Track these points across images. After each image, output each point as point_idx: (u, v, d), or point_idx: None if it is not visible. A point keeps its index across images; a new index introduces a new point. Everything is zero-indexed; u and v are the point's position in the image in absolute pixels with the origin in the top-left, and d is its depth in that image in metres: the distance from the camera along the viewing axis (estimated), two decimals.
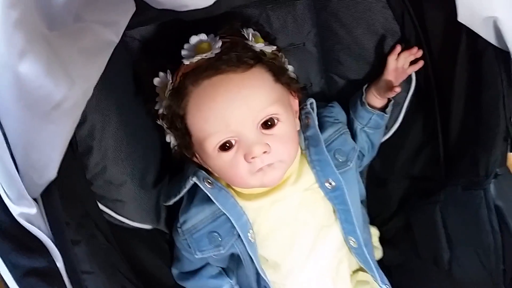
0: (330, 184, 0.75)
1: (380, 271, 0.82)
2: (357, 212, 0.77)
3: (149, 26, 0.78)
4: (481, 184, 0.74)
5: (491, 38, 0.62)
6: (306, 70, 0.90)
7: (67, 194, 0.55)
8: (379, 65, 0.83)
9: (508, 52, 0.62)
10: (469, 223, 0.77)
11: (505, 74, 0.65)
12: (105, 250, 0.64)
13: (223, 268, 0.84)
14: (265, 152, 0.67)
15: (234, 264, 0.82)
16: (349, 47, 0.85)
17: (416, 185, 0.91)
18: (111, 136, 0.73)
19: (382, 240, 0.96)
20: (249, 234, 0.73)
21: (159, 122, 0.76)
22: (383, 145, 0.92)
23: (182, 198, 0.79)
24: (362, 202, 0.95)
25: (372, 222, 0.98)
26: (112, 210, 0.75)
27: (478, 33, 0.62)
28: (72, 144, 0.67)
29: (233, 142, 0.68)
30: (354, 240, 0.77)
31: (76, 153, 0.68)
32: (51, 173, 0.50)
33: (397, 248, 0.96)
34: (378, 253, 0.95)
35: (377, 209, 0.97)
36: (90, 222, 0.62)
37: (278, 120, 0.69)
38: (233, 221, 0.72)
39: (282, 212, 0.75)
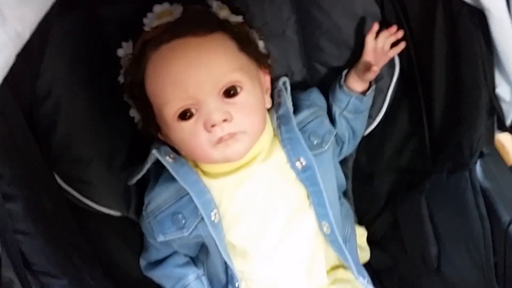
0: (301, 163, 0.70)
1: (358, 263, 0.75)
2: (331, 197, 0.72)
3: (125, 8, 0.77)
4: (466, 164, 0.69)
5: None
6: (287, 59, 0.87)
7: (3, 145, 0.53)
8: (361, 51, 0.80)
9: (483, 12, 0.58)
10: (455, 210, 0.71)
11: (483, 37, 0.61)
12: (52, 218, 0.60)
13: (192, 259, 0.79)
14: (225, 120, 0.64)
15: (204, 255, 0.78)
16: (329, 32, 0.82)
17: (403, 178, 0.86)
18: (77, 113, 0.72)
19: (370, 242, 0.91)
20: (212, 214, 0.68)
21: (126, 98, 0.74)
22: (368, 137, 0.88)
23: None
24: (345, 196, 0.90)
25: (360, 222, 0.93)
26: (77, 191, 0.73)
27: None
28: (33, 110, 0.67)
29: (193, 111, 0.65)
30: (327, 225, 0.71)
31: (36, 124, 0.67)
32: None
33: (386, 250, 0.91)
34: (366, 255, 0.89)
35: (364, 207, 0.93)
36: (36, 185, 0.59)
37: (241, 88, 0.66)
38: (194, 198, 0.67)
39: (250, 193, 0.70)
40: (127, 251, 0.82)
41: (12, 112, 0.57)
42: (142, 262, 0.81)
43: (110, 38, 0.78)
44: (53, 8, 0.61)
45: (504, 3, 0.56)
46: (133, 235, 0.82)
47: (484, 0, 0.56)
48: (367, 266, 0.85)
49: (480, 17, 0.59)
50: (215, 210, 0.69)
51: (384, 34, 0.76)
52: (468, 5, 0.59)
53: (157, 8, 0.68)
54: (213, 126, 0.64)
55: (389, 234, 0.89)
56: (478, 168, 0.68)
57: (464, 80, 0.67)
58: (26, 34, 0.50)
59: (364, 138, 0.87)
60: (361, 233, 0.89)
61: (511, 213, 0.64)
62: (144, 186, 0.77)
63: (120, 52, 0.71)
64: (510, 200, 0.65)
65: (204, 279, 0.77)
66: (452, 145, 0.72)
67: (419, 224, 0.77)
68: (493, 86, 0.64)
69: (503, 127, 0.70)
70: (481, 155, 0.68)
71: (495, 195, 0.65)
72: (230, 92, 0.65)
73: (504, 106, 0.66)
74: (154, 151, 0.69)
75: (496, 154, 0.69)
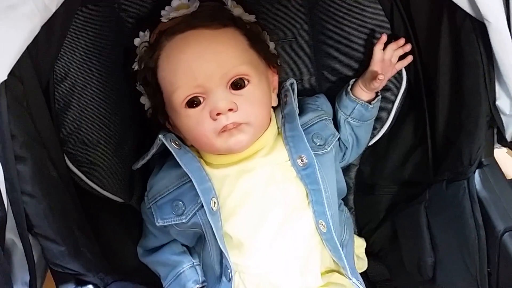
0: (302, 161, 0.72)
1: (354, 267, 0.75)
2: (330, 198, 0.73)
3: (144, 3, 0.81)
4: (465, 173, 0.70)
5: (466, 6, 0.61)
6: (298, 66, 0.90)
7: (19, 109, 0.56)
8: (369, 62, 0.82)
9: (484, 24, 0.60)
10: (452, 219, 0.72)
11: (484, 48, 0.63)
12: (56, 188, 0.62)
13: (188, 250, 0.80)
14: (231, 110, 0.66)
15: (200, 247, 0.78)
16: (339, 43, 0.85)
17: (404, 190, 0.87)
18: (90, 96, 0.75)
19: (368, 254, 0.91)
20: (211, 202, 0.69)
21: (138, 87, 0.77)
22: (373, 148, 0.89)
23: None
24: (346, 205, 0.91)
25: (360, 233, 0.94)
26: (83, 173, 0.75)
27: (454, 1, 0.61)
28: (49, 88, 0.70)
29: (201, 100, 0.68)
30: (324, 224, 0.72)
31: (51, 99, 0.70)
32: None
33: (384, 262, 0.91)
34: (363, 265, 0.89)
35: (365, 217, 0.93)
36: (45, 154, 0.61)
37: (248, 81, 0.69)
38: (195, 184, 0.69)
39: (250, 185, 0.72)
40: (125, 238, 0.84)
41: (30, 81, 0.60)
42: (139, 249, 0.82)
43: (127, 30, 0.82)
44: None
45: (503, 14, 0.58)
46: (133, 224, 0.84)
47: (484, 10, 0.59)
48: (364, 277, 0.85)
49: (481, 29, 0.61)
50: (214, 199, 0.70)
51: (392, 46, 0.78)
52: (470, 16, 0.62)
53: (175, 2, 0.72)
54: (218, 114, 0.66)
55: (388, 247, 0.89)
56: (476, 177, 0.69)
57: (466, 90, 0.68)
58: (52, 8, 0.54)
59: (368, 149, 0.89)
60: (360, 244, 0.89)
61: (506, 222, 0.64)
62: (148, 177, 0.79)
63: (137, 41, 0.75)
64: (505, 210, 0.65)
65: (198, 268, 0.78)
66: (452, 155, 0.73)
67: (417, 233, 0.78)
68: (493, 97, 0.66)
69: (502, 141, 0.71)
70: (480, 165, 0.69)
71: (491, 205, 0.66)
72: (237, 85, 0.68)
73: (504, 119, 0.68)
74: (160, 136, 0.72)
75: (495, 166, 0.69)
